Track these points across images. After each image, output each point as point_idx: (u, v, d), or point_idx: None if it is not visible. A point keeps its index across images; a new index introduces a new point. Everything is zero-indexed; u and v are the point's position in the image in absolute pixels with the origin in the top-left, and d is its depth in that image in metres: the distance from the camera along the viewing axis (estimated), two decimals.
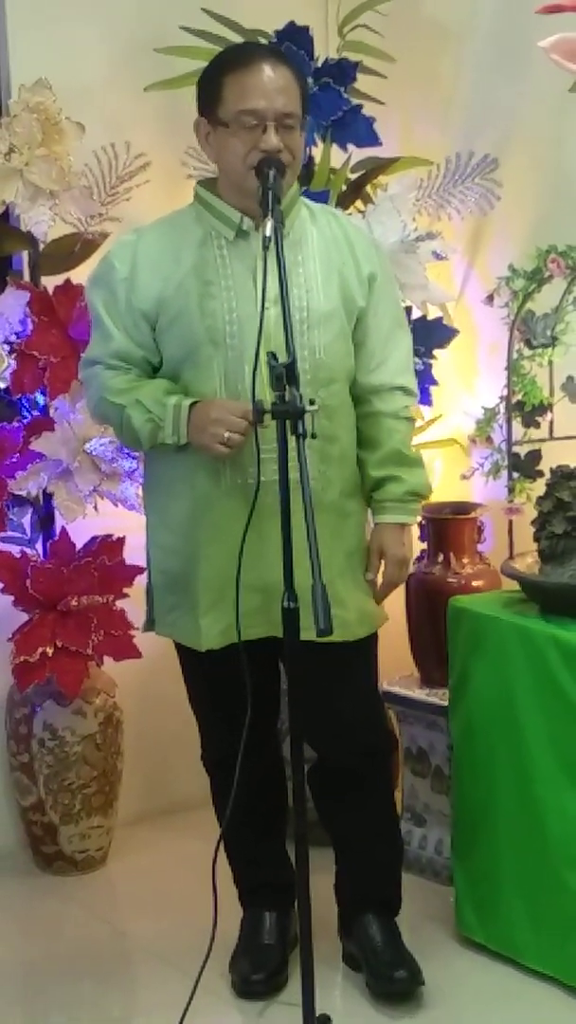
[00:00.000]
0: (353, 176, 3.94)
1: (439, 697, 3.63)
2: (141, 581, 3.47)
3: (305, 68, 3.75)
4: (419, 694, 3.73)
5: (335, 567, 2.98)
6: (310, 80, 3.77)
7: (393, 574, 3.13)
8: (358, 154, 3.94)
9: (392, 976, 3.14)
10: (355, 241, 3.09)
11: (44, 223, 3.67)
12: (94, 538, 3.77)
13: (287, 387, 2.66)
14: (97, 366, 3.07)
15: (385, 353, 3.11)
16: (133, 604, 3.65)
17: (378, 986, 3.15)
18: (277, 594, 2.76)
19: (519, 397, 3.69)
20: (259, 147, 2.90)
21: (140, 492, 3.67)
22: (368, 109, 3.88)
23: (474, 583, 3.69)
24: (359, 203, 3.91)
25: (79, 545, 3.76)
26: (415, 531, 3.82)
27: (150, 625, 3.22)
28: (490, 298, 3.71)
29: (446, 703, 3.44)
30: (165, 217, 3.13)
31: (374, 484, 3.12)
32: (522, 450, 3.73)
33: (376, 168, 3.93)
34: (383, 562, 3.13)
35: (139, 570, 3.62)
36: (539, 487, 3.49)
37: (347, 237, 3.08)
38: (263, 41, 3.73)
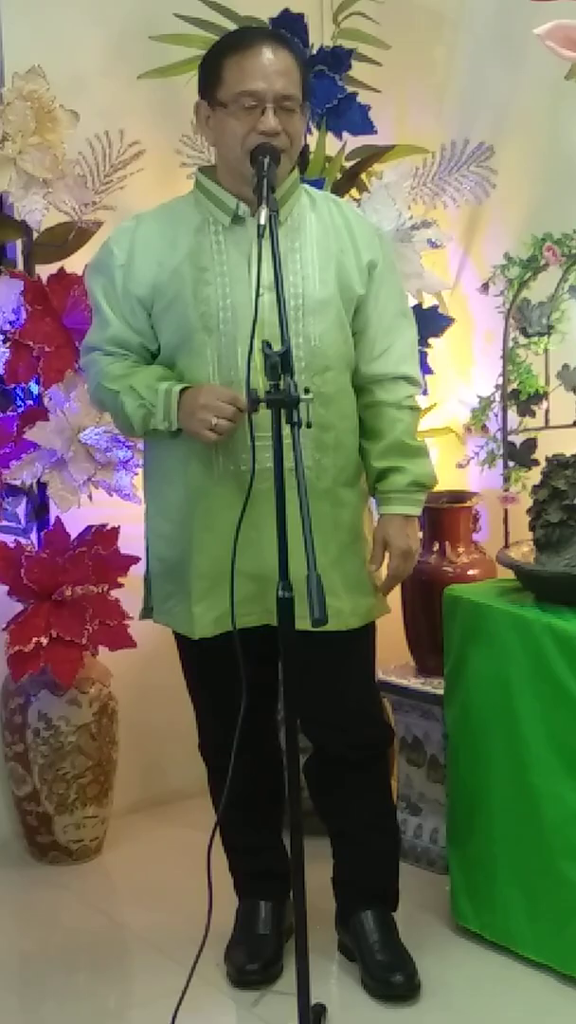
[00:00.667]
0: (348, 164, 3.93)
1: (434, 686, 3.63)
2: (136, 571, 3.47)
3: (304, 58, 3.74)
4: (414, 683, 3.73)
5: (329, 556, 2.96)
6: None
7: (398, 566, 3.11)
8: (353, 142, 3.93)
9: (389, 980, 3.13)
10: (356, 228, 3.08)
11: (38, 212, 3.65)
12: (88, 528, 3.76)
13: (282, 375, 2.65)
14: (95, 352, 3.08)
15: (387, 342, 3.09)
16: (128, 594, 3.65)
17: (375, 987, 3.15)
18: (271, 582, 2.75)
19: (515, 386, 3.68)
20: (257, 129, 2.89)
21: (134, 482, 3.67)
22: (363, 97, 3.88)
23: (470, 572, 3.69)
24: (354, 191, 3.90)
25: (74, 535, 3.76)
26: None
27: (147, 613, 3.22)
28: (485, 286, 3.71)
29: (441, 692, 3.44)
30: (165, 203, 3.12)
31: (377, 475, 3.10)
32: (518, 439, 3.72)
33: (371, 156, 3.92)
34: (387, 554, 3.11)
35: (134, 560, 3.62)
36: (535, 476, 3.48)
37: (348, 224, 3.07)
38: (269, 28, 3.71)
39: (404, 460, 3.09)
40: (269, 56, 2.91)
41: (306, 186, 3.11)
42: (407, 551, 3.11)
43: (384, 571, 3.13)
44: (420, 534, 3.71)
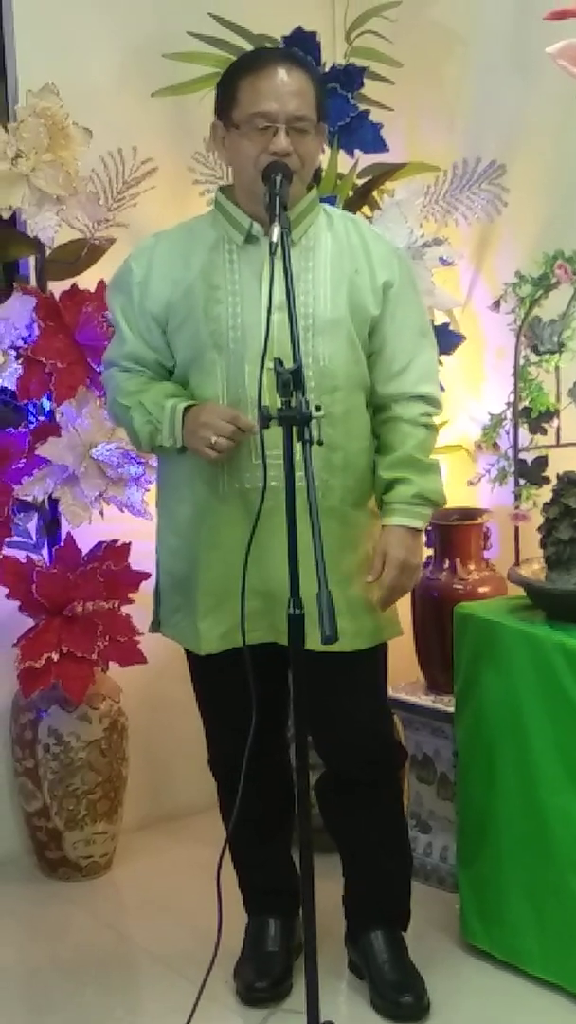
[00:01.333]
0: (360, 182, 3.94)
1: (444, 703, 3.63)
2: (146, 586, 3.47)
3: (321, 79, 3.75)
4: (425, 700, 3.73)
5: (335, 576, 2.93)
6: None
7: (394, 577, 3.02)
8: (365, 160, 3.95)
9: (398, 1001, 3.13)
10: (373, 248, 3.07)
11: (51, 228, 3.67)
12: (100, 543, 3.77)
13: (293, 392, 2.66)
14: (113, 368, 3.11)
15: (405, 361, 3.07)
16: (139, 609, 3.65)
17: (384, 1007, 3.15)
18: (278, 599, 2.74)
19: (526, 403, 3.69)
20: (269, 150, 2.90)
21: (145, 498, 3.68)
22: (375, 115, 3.89)
23: (480, 589, 3.69)
24: (366, 209, 3.91)
25: (85, 550, 3.76)
26: (421, 538, 3.82)
27: (156, 626, 3.22)
28: (497, 304, 3.71)
29: (452, 709, 3.43)
30: (185, 222, 3.14)
31: (384, 487, 3.07)
32: (529, 456, 3.72)
33: (383, 174, 3.93)
34: (384, 566, 3.05)
35: (145, 576, 3.62)
36: (545, 493, 3.48)
37: (364, 244, 3.06)
38: (269, 47, 3.73)
39: (412, 473, 3.06)
40: (283, 77, 2.92)
41: (325, 205, 3.11)
42: (404, 563, 3.03)
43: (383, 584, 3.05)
44: (429, 551, 3.74)
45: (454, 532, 3.75)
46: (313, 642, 2.65)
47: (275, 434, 2.74)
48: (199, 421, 2.92)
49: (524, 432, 3.71)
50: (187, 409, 2.96)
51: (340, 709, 3.10)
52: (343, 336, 3.01)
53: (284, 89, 2.91)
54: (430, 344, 3.15)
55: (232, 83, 2.97)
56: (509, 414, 3.72)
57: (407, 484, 3.05)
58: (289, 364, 2.67)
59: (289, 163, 2.91)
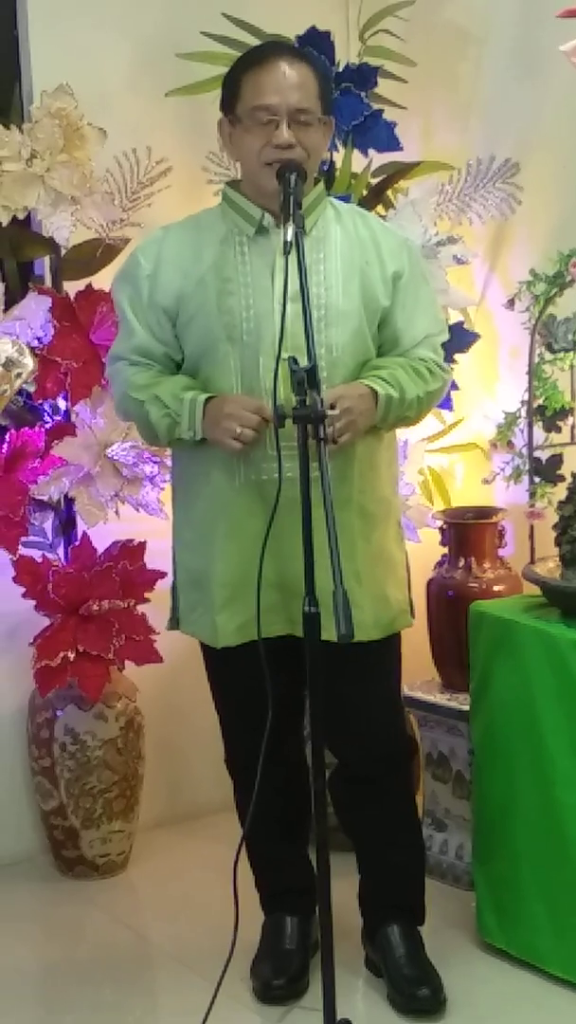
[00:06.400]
0: (374, 181, 3.94)
1: (460, 702, 3.63)
2: (162, 585, 3.48)
3: (326, 72, 3.75)
4: (440, 699, 3.73)
5: (353, 567, 2.95)
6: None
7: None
8: (379, 159, 3.95)
9: (415, 994, 3.13)
10: (382, 240, 3.08)
11: (66, 229, 3.68)
12: (115, 543, 3.78)
13: (308, 391, 2.66)
14: (121, 362, 3.10)
15: (414, 344, 3.08)
16: (154, 609, 3.66)
17: (400, 1002, 3.15)
18: (295, 591, 2.74)
19: (540, 401, 3.68)
20: (271, 142, 2.91)
21: (161, 497, 3.69)
22: (389, 114, 3.89)
23: (495, 588, 3.69)
24: (380, 208, 3.91)
25: (100, 550, 3.77)
26: (435, 536, 3.83)
27: (174, 624, 3.23)
28: (511, 302, 3.71)
29: (467, 708, 3.43)
30: (193, 215, 3.15)
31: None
32: (543, 455, 3.72)
33: (397, 173, 3.93)
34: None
35: (160, 574, 3.63)
36: (560, 491, 3.48)
37: (373, 236, 3.07)
38: (290, 42, 3.72)
39: (398, 369, 3.00)
40: (285, 70, 2.94)
41: (332, 199, 3.13)
42: (343, 394, 2.89)
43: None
44: (444, 549, 3.73)
45: (469, 531, 3.75)
46: (329, 633, 2.66)
47: (290, 427, 2.74)
48: (224, 412, 2.92)
49: (539, 430, 3.71)
50: (207, 401, 2.97)
51: (354, 699, 3.10)
52: (355, 327, 3.02)
53: (286, 82, 2.93)
54: (441, 331, 3.15)
55: (235, 78, 2.99)
56: (524, 412, 3.72)
57: (389, 370, 3.00)
58: (303, 357, 2.68)
59: (294, 155, 2.91)
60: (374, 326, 3.05)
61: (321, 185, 3.09)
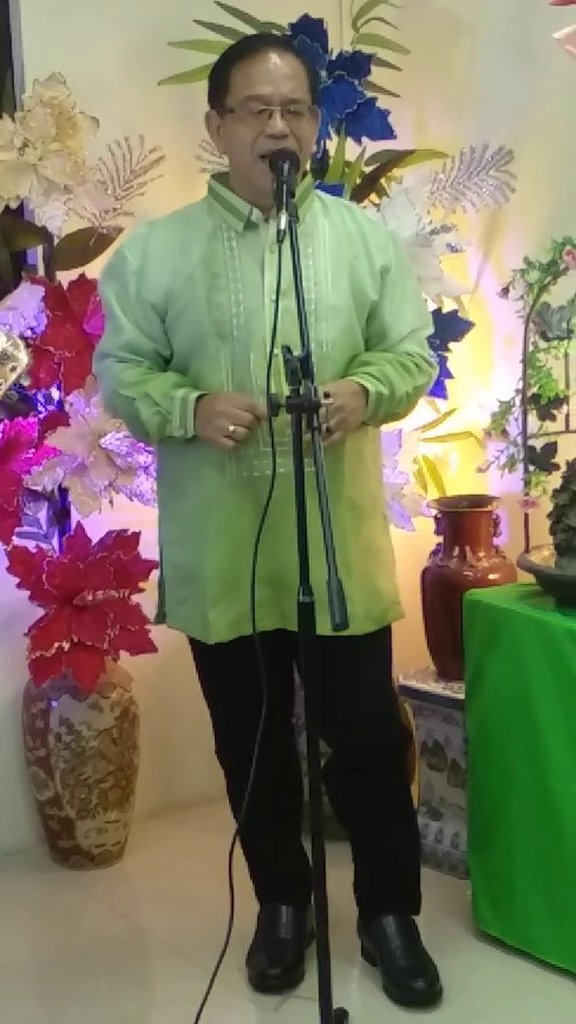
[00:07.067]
0: (368, 169, 3.93)
1: (455, 691, 3.63)
2: (156, 576, 3.47)
3: (319, 61, 3.75)
4: (435, 687, 3.73)
5: (344, 560, 2.93)
6: (324, 73, 3.76)
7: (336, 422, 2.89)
8: (372, 147, 3.94)
9: (411, 986, 3.13)
10: (369, 234, 3.08)
11: (58, 218, 3.67)
12: (109, 533, 3.77)
13: (302, 380, 2.65)
14: (109, 359, 3.08)
15: (400, 339, 3.08)
16: (148, 599, 3.65)
17: (396, 993, 3.15)
18: (287, 586, 2.74)
19: (535, 390, 3.68)
20: (265, 132, 2.90)
21: (154, 487, 3.68)
22: (382, 102, 3.88)
23: (490, 576, 3.69)
24: (374, 196, 3.91)
25: (94, 540, 3.77)
26: (430, 525, 3.83)
27: (161, 618, 3.22)
28: (505, 291, 3.71)
29: (462, 696, 3.44)
30: (178, 210, 3.13)
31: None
32: (538, 443, 3.72)
33: (391, 161, 3.92)
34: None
35: (154, 564, 3.61)
36: (555, 480, 3.48)
37: (361, 231, 3.07)
38: (277, 34, 3.72)
39: (386, 364, 3.00)
40: (275, 60, 2.93)
41: (319, 192, 3.12)
42: (341, 407, 2.88)
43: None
44: (439, 538, 3.73)
45: (464, 519, 3.75)
46: (323, 627, 2.65)
47: (282, 421, 2.75)
48: (216, 410, 2.91)
49: (533, 419, 3.71)
50: (198, 399, 2.96)
51: (347, 690, 3.10)
52: (345, 321, 3.01)
53: (277, 72, 2.92)
54: (426, 324, 3.16)
55: (224, 70, 2.97)
56: (518, 401, 3.72)
57: (378, 367, 3.00)
58: (296, 351, 2.67)
59: (288, 145, 2.90)
60: (363, 320, 3.05)
61: (309, 178, 3.07)
